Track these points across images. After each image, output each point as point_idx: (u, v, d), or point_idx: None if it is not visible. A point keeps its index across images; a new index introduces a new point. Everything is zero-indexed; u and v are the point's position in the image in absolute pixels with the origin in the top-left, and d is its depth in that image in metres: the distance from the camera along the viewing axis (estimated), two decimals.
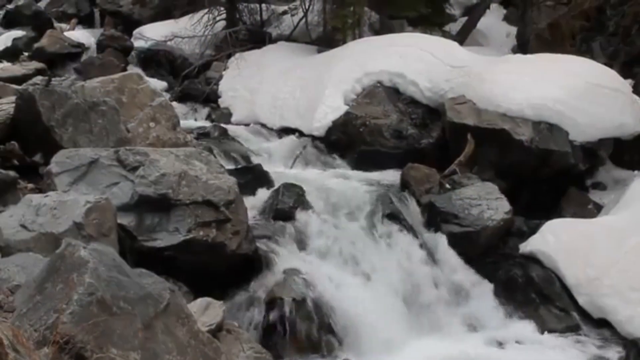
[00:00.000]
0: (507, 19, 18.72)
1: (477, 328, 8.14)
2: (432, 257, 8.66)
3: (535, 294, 8.30)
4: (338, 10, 14.45)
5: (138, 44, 16.67)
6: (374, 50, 12.15)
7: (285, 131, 11.96)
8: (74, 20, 19.55)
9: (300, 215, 8.53)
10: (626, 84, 11.08)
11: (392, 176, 10.03)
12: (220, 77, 14.44)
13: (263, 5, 16.79)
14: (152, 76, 14.94)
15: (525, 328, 8.10)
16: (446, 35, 15.63)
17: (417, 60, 11.58)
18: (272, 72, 13.41)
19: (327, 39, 14.82)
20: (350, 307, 7.66)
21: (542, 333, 8.01)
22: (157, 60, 16.11)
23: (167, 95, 12.71)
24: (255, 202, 8.81)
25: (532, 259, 8.51)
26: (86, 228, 6.15)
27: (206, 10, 15.85)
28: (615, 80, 10.74)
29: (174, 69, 15.77)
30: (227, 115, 13.29)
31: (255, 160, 10.64)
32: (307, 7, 15.73)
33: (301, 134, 11.63)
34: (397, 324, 7.87)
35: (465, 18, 18.12)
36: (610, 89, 10.38)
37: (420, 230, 8.93)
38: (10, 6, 19.54)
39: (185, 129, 10.31)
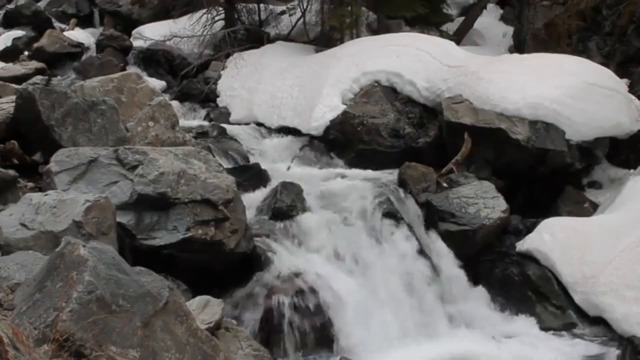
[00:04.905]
0: (503, 18, 18.78)
1: (473, 326, 8.17)
2: (429, 255, 8.70)
3: (532, 292, 8.36)
4: (336, 10, 14.47)
5: (137, 43, 16.69)
6: (372, 50, 12.17)
7: (283, 130, 11.99)
8: (73, 20, 19.56)
9: (298, 213, 8.58)
10: (622, 84, 11.10)
11: (389, 175, 10.05)
12: (219, 76, 14.47)
13: (261, 5, 16.82)
14: (151, 76, 15.00)
15: (522, 326, 8.15)
16: (443, 35, 15.65)
17: (415, 60, 11.63)
18: (270, 71, 13.43)
19: (325, 39, 14.86)
20: (348, 305, 7.70)
21: (539, 331, 8.05)
22: (156, 60, 16.14)
23: (166, 95, 12.76)
24: (254, 200, 8.86)
25: (529, 257, 8.55)
26: (85, 226, 6.17)
27: (205, 10, 15.88)
28: (612, 80, 10.76)
29: (172, 69, 15.81)
30: (225, 115, 13.31)
31: (253, 159, 10.68)
32: (305, 7, 15.76)
33: (299, 133, 11.66)
34: (395, 322, 7.90)
35: (462, 18, 18.18)
36: (606, 88, 10.40)
37: (417, 229, 8.96)
38: (10, 6, 19.54)
39: (184, 128, 10.34)
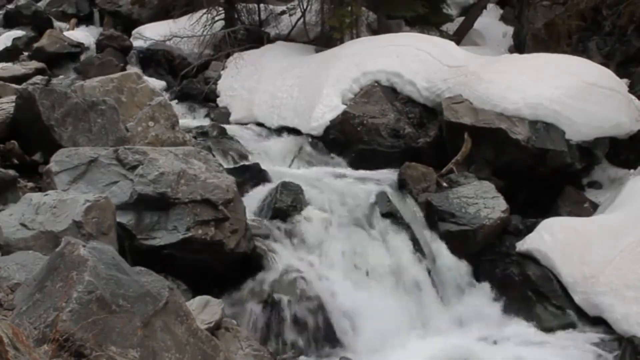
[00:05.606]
0: (503, 18, 18.81)
1: (473, 325, 8.16)
2: (429, 255, 8.70)
3: (532, 292, 8.34)
4: (336, 10, 14.47)
5: (137, 43, 16.71)
6: (372, 50, 12.18)
7: (283, 130, 12.00)
8: (73, 20, 19.59)
9: (298, 213, 8.57)
10: (622, 84, 11.09)
11: (389, 175, 10.05)
12: (219, 76, 14.50)
13: (261, 5, 16.83)
14: (151, 76, 15.00)
15: (522, 326, 8.14)
16: (443, 35, 15.66)
17: (415, 60, 11.63)
18: (270, 71, 13.44)
19: (324, 39, 14.86)
20: (348, 305, 7.70)
21: (539, 331, 8.04)
22: (156, 60, 16.16)
23: (166, 95, 12.78)
24: (254, 200, 8.84)
25: (529, 257, 8.54)
26: (85, 226, 6.17)
27: (205, 10, 15.90)
28: (612, 80, 10.75)
29: (172, 69, 15.83)
30: (225, 115, 13.32)
31: (253, 159, 10.67)
32: (305, 7, 15.77)
33: (299, 133, 11.67)
34: (394, 322, 7.90)
35: (462, 18, 18.19)
36: (606, 88, 10.40)
37: (417, 229, 8.95)
38: (10, 6, 19.58)
39: (184, 128, 10.34)
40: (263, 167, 9.80)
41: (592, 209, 9.77)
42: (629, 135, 10.48)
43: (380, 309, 7.94)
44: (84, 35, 18.00)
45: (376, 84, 11.60)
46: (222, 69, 14.68)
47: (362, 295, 7.95)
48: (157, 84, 13.92)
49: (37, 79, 12.05)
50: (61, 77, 14.81)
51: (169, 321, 4.56)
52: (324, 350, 7.42)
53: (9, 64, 14.77)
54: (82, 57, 16.45)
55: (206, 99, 14.21)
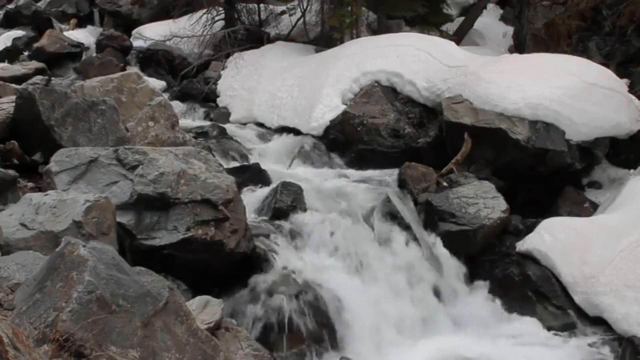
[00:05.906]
0: (503, 18, 18.82)
1: (473, 326, 8.15)
2: (429, 255, 8.69)
3: (532, 292, 8.34)
4: (336, 10, 14.49)
5: (137, 43, 16.73)
6: (372, 50, 12.18)
7: (283, 130, 12.01)
8: (73, 20, 19.60)
9: (298, 213, 8.57)
10: (622, 84, 11.09)
11: (389, 175, 10.06)
12: (219, 76, 14.52)
13: (261, 5, 16.84)
14: (151, 76, 15.02)
15: (522, 326, 8.13)
16: (443, 35, 15.68)
17: (415, 60, 11.63)
18: (270, 71, 13.45)
19: (325, 39, 14.88)
20: (348, 305, 7.68)
21: (538, 331, 8.04)
22: (156, 60, 16.18)
23: (166, 95, 12.76)
24: (254, 200, 8.85)
25: (529, 258, 8.54)
26: (85, 226, 6.16)
27: (205, 10, 15.92)
28: (612, 80, 10.75)
29: (172, 69, 15.85)
30: (225, 115, 13.33)
31: (253, 159, 10.67)
32: (305, 7, 15.78)
33: (299, 133, 11.68)
34: (394, 321, 7.89)
35: (462, 18, 18.20)
36: (606, 88, 10.40)
37: (417, 229, 8.95)
38: (10, 6, 19.60)
39: (184, 128, 10.34)
40: (263, 167, 9.81)
41: (592, 209, 9.77)
42: (629, 135, 10.49)
43: (380, 308, 7.93)
44: (84, 35, 18.04)
45: (376, 84, 11.61)
46: (222, 69, 14.69)
47: (362, 295, 7.93)
48: (157, 84, 13.93)
49: (37, 79, 12.05)
50: (61, 77, 14.80)
51: (169, 321, 4.56)
52: (324, 349, 7.40)
53: (9, 64, 14.77)
54: (82, 57, 16.47)
55: (206, 99, 14.22)
